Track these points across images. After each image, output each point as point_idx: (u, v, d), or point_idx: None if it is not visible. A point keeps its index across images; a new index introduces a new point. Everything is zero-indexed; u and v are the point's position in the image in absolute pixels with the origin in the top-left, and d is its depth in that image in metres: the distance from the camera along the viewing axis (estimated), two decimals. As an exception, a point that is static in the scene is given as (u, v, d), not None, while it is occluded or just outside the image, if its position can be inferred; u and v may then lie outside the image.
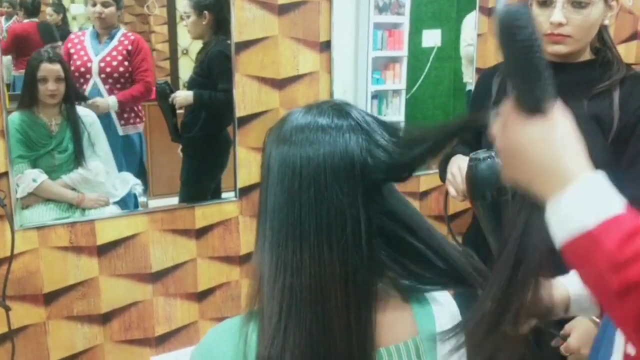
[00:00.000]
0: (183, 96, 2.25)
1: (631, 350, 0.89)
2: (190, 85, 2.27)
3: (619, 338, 0.94)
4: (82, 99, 2.12)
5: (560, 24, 1.42)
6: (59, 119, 2.06)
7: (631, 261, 0.64)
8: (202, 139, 2.29)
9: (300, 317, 0.83)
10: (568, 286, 1.12)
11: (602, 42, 1.51)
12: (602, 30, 1.50)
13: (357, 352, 0.85)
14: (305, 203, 0.83)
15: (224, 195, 2.25)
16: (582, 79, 1.46)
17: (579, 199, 0.68)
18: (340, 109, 0.88)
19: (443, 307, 0.96)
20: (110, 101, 2.15)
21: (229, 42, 2.11)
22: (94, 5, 2.09)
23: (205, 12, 2.15)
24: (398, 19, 2.42)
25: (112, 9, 2.10)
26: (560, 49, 1.45)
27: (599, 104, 1.42)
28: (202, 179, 2.30)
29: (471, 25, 2.57)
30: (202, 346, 0.91)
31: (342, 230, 0.83)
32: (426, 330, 0.92)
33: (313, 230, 0.82)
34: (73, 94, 2.07)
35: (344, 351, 0.84)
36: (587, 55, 1.51)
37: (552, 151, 0.71)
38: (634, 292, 0.64)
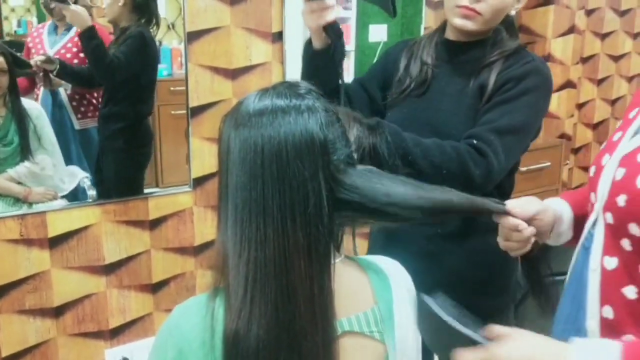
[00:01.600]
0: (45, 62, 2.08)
1: (609, 314, 0.94)
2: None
3: (593, 302, 0.99)
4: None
5: None
6: (3, 111, 2.02)
7: None
8: (122, 131, 2.22)
9: (265, 288, 0.85)
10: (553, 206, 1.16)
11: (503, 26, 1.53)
12: (508, 20, 1.53)
13: (320, 319, 0.88)
14: (267, 180, 0.86)
15: (177, 186, 2.23)
16: (474, 57, 1.49)
17: None
18: (296, 89, 0.92)
19: (397, 278, 1.01)
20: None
21: (152, 29, 2.09)
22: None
23: None
24: (345, 13, 2.45)
25: None
26: (469, 25, 1.45)
27: (483, 75, 1.46)
28: (124, 173, 2.26)
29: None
30: (170, 322, 0.92)
31: (305, 204, 0.86)
32: (384, 300, 0.96)
33: (276, 206, 0.85)
34: (17, 86, 2.03)
35: (308, 319, 0.87)
36: (481, 36, 1.52)
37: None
38: None
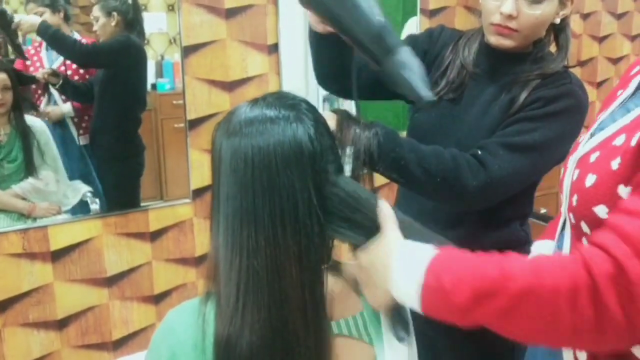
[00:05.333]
0: (29, 22, 2.06)
1: (581, 357, 0.95)
2: (98, 81, 2.22)
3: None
4: (34, 108, 2.11)
5: (510, 16, 1.34)
6: (8, 129, 2.05)
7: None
8: (112, 142, 2.26)
9: (258, 295, 0.87)
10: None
11: (548, 38, 1.46)
12: (557, 29, 1.45)
13: (312, 324, 0.90)
14: (258, 190, 0.87)
15: (177, 198, 2.26)
16: (512, 71, 1.42)
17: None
18: (285, 100, 0.94)
19: None
20: (65, 108, 2.15)
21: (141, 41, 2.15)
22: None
23: (114, 13, 2.15)
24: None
25: (47, 15, 2.07)
26: (505, 42, 1.39)
27: (516, 90, 1.40)
28: (120, 184, 2.29)
29: (412, 28, 2.64)
30: (164, 325, 0.94)
31: (295, 213, 0.87)
32: (369, 305, 0.98)
33: (267, 215, 0.87)
34: (21, 103, 2.07)
35: (301, 324, 0.88)
36: (522, 49, 1.44)
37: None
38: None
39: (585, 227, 0.90)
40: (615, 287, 0.70)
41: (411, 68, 0.96)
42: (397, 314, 0.91)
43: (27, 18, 2.04)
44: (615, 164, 0.86)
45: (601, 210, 0.86)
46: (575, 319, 0.72)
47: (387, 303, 0.90)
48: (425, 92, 0.96)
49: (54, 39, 2.09)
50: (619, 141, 0.88)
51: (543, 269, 0.76)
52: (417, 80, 0.96)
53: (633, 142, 0.84)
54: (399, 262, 0.86)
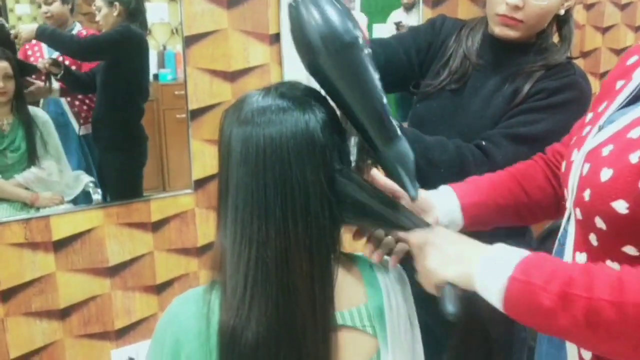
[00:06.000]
0: (26, 29, 2.05)
1: (586, 355, 0.95)
2: (100, 71, 2.20)
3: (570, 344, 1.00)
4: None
5: (516, 7, 1.35)
6: (10, 118, 2.05)
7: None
8: (115, 132, 2.26)
9: (266, 287, 0.87)
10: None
11: (551, 29, 1.47)
12: (561, 20, 1.46)
13: (320, 317, 0.90)
14: (270, 181, 0.86)
15: (179, 189, 2.26)
16: (515, 62, 1.43)
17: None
18: (297, 91, 0.93)
19: (388, 274, 1.02)
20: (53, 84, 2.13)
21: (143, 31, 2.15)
22: (40, 6, 2.07)
23: (116, 3, 2.13)
24: (351, 13, 2.46)
25: (57, 4, 2.07)
26: (510, 33, 1.39)
27: (519, 81, 1.41)
28: (123, 174, 2.29)
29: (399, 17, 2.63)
30: (169, 312, 0.94)
31: (307, 205, 0.87)
32: (374, 297, 0.98)
33: (278, 207, 0.86)
34: (24, 92, 2.06)
35: (309, 317, 0.89)
36: (526, 40, 1.45)
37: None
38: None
39: (600, 223, 0.89)
40: None
41: (405, 163, 0.99)
42: (452, 291, 0.90)
43: (23, 27, 2.04)
44: (634, 158, 0.84)
45: (620, 206, 0.85)
46: None
47: (445, 280, 0.90)
48: (412, 191, 1.00)
49: (53, 39, 2.10)
50: (635, 134, 0.87)
51: (629, 281, 0.75)
52: (408, 178, 0.99)
53: None
54: (492, 250, 0.87)
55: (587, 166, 0.93)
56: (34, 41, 2.11)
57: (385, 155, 0.97)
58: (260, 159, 0.86)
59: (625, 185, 0.84)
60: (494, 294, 0.83)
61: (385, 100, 0.95)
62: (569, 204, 1.00)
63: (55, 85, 2.13)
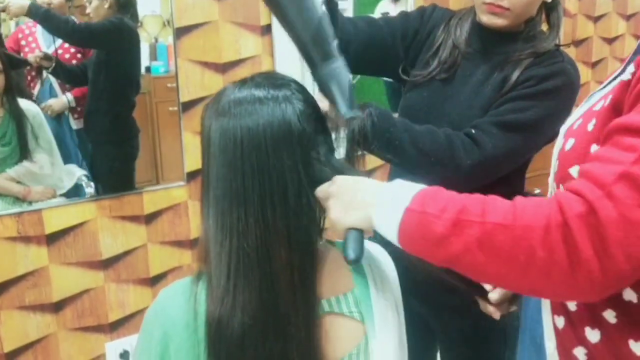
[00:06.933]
0: (18, 3, 2.00)
1: (559, 323, 0.96)
2: (92, 64, 2.20)
3: (546, 314, 1.00)
4: (27, 96, 2.09)
5: None
6: (1, 112, 2.04)
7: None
8: (107, 125, 2.26)
9: (248, 276, 0.88)
10: None
11: (539, 17, 1.47)
12: (548, 8, 1.46)
13: (302, 304, 0.91)
14: (247, 171, 0.88)
15: (172, 180, 2.26)
16: (503, 50, 1.43)
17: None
18: (274, 80, 0.94)
19: (374, 261, 1.03)
20: (66, 98, 2.14)
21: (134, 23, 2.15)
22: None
23: None
24: (342, 4, 2.45)
25: None
26: (497, 21, 1.40)
27: (508, 70, 1.41)
28: (115, 167, 2.29)
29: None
30: (156, 304, 0.95)
31: (285, 194, 0.88)
32: (361, 283, 0.99)
33: (257, 196, 0.88)
34: (14, 86, 2.06)
35: (290, 304, 0.90)
36: (514, 28, 1.45)
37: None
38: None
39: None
40: (587, 226, 0.71)
41: (340, 81, 1.01)
42: (354, 236, 0.91)
43: (14, 1, 2.00)
44: (590, 126, 0.88)
45: (575, 171, 0.87)
46: (547, 258, 0.73)
47: (347, 226, 0.91)
48: (344, 108, 1.01)
49: (46, 18, 2.07)
50: (598, 106, 0.90)
51: (521, 207, 0.78)
52: (341, 96, 1.01)
53: (606, 103, 0.86)
54: (387, 188, 0.88)
55: (570, 141, 0.95)
56: (27, 31, 2.10)
57: (320, 72, 1.01)
58: (237, 149, 0.87)
59: (581, 151, 0.87)
60: (390, 228, 0.84)
61: (326, 20, 1.01)
62: (550, 180, 1.02)
63: (69, 97, 2.15)
